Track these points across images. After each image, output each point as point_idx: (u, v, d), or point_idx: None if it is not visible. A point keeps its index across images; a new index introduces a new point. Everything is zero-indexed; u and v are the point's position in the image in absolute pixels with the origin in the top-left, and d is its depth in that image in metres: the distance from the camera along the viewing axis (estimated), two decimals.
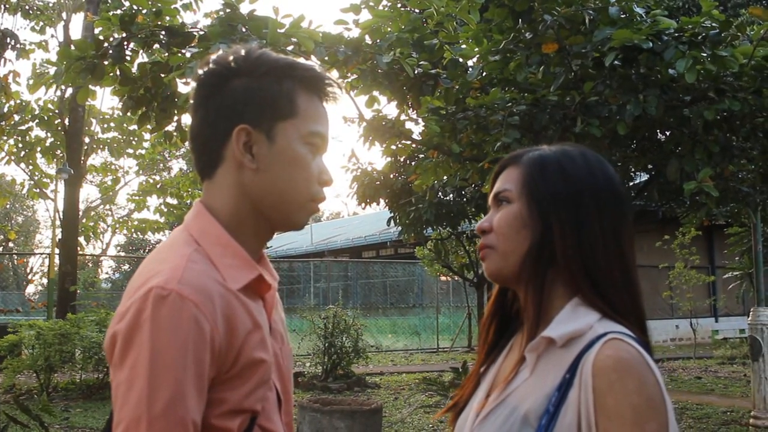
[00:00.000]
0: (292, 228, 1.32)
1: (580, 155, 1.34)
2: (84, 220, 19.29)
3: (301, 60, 1.34)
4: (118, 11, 5.37)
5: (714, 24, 4.98)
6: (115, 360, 1.12)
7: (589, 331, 1.20)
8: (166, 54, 5.53)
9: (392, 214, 11.76)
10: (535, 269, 1.27)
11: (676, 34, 4.94)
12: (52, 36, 19.61)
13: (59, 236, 15.41)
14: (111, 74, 5.53)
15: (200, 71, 1.31)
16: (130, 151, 18.76)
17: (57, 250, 15.62)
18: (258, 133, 1.25)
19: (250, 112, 1.25)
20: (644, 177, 8.81)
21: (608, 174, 1.33)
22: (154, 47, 5.53)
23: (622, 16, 5.05)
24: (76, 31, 15.44)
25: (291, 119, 1.26)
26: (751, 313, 8.39)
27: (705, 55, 4.86)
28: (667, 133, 6.58)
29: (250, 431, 1.20)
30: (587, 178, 1.30)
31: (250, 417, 1.20)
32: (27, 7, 14.54)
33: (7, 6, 13.65)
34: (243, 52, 1.29)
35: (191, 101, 1.32)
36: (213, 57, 1.32)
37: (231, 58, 1.29)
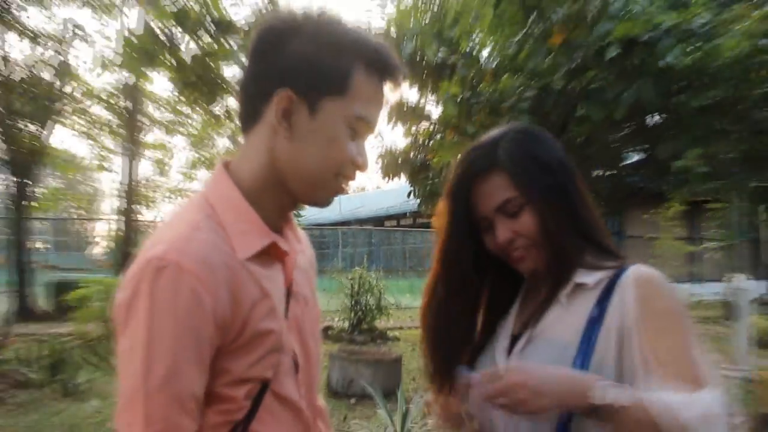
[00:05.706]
0: (315, 204, 1.11)
1: (530, 130, 1.31)
2: (142, 190, 19.41)
3: (371, 36, 1.09)
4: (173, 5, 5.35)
5: (703, 20, 4.89)
6: (119, 328, 0.99)
7: (617, 269, 1.18)
8: (215, 46, 5.53)
9: (412, 188, 11.73)
10: (561, 239, 1.21)
11: (670, 29, 4.85)
12: (113, 26, 19.56)
13: (121, 205, 15.55)
14: (167, 62, 5.55)
15: (263, 25, 1.10)
16: (182, 129, 18.78)
17: (119, 217, 15.79)
18: (301, 102, 1.04)
19: (299, 78, 1.04)
20: (637, 157, 8.71)
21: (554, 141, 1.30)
22: (202, 37, 5.53)
23: (622, 14, 4.96)
24: (134, 21, 15.35)
25: (340, 97, 1.05)
26: (726, 279, 8.31)
27: (695, 47, 4.77)
28: (659, 117, 6.49)
29: (262, 397, 1.08)
30: (555, 145, 1.27)
31: (260, 384, 1.07)
32: None
33: None
34: (314, 12, 1.08)
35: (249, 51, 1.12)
36: (279, 13, 1.10)
37: (299, 15, 1.07)
